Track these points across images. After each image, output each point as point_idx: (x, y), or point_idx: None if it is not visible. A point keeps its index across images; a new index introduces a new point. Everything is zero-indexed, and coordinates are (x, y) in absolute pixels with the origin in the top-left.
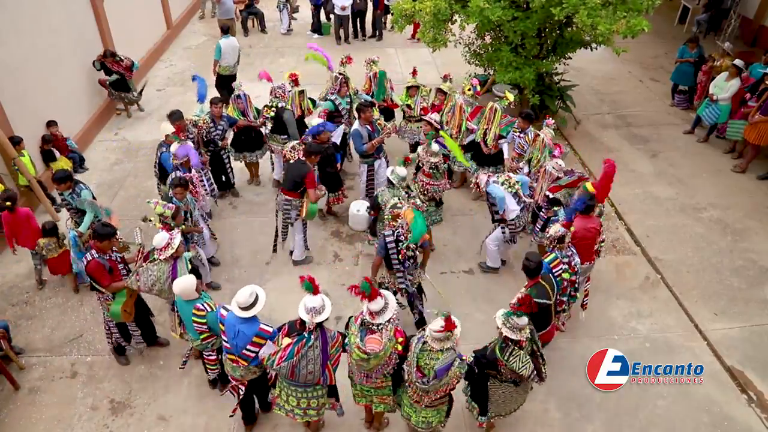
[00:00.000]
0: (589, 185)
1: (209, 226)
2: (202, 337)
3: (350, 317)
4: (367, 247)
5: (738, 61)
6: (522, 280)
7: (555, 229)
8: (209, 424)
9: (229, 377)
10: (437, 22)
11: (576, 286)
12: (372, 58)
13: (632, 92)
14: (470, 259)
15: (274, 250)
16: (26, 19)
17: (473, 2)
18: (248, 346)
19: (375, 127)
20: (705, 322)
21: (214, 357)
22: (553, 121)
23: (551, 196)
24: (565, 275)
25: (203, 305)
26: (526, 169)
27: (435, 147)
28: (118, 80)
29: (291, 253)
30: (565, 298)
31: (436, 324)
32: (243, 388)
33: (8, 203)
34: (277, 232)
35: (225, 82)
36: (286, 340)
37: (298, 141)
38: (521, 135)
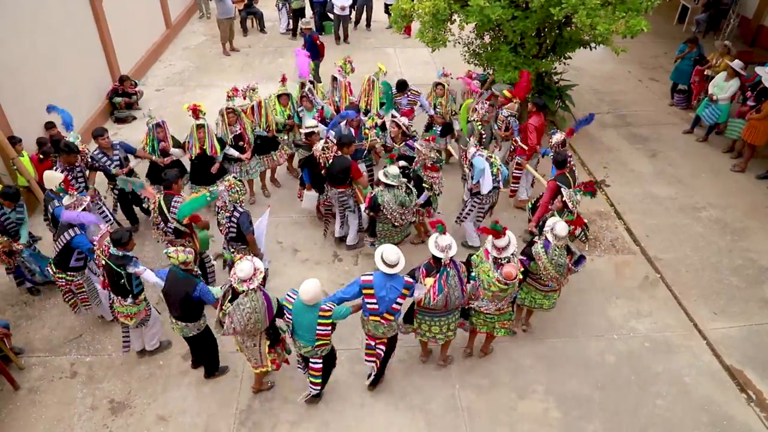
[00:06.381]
0: (506, 91)
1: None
2: (318, 342)
3: (469, 256)
4: (366, 247)
5: (736, 63)
6: None
7: (557, 138)
8: (209, 424)
9: (367, 336)
10: (436, 21)
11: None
12: (251, 86)
13: (632, 92)
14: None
15: (325, 236)
16: (26, 19)
17: (473, 1)
18: (397, 299)
19: (359, 132)
20: (704, 322)
21: (319, 366)
22: (450, 72)
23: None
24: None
25: (328, 305)
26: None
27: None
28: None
29: (341, 239)
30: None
31: (561, 229)
32: (383, 348)
33: None
34: (326, 222)
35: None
36: (429, 280)
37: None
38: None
